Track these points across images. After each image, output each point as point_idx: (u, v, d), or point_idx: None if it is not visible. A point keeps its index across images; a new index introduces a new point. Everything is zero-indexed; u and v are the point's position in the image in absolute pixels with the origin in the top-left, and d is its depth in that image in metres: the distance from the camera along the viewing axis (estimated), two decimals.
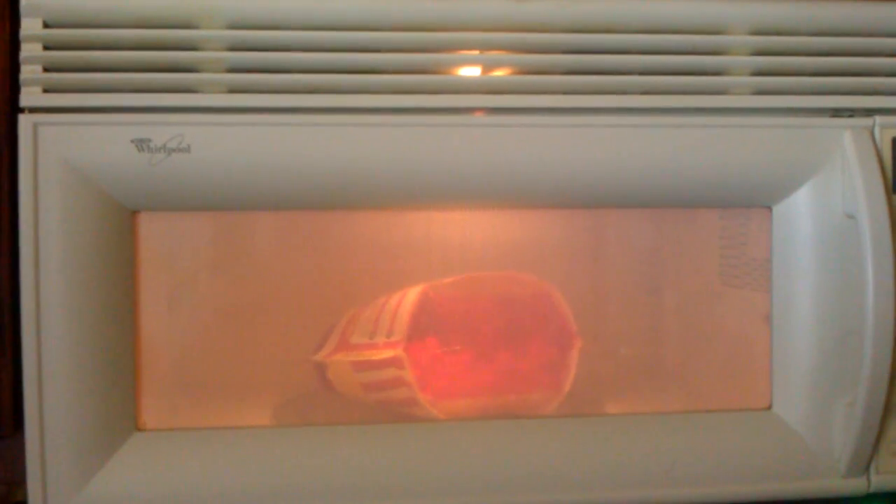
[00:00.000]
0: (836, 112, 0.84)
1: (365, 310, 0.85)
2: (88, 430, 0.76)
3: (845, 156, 0.81)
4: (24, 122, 0.75)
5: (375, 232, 0.84)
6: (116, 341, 0.78)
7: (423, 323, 0.85)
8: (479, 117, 0.80)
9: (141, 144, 0.75)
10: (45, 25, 0.76)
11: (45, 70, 0.76)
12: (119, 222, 0.77)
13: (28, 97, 0.75)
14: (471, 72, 0.81)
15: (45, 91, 0.76)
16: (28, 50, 0.75)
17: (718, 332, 0.88)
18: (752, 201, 0.84)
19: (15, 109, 0.76)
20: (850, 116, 0.83)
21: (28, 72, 0.75)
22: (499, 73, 0.81)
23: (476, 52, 0.80)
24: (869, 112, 0.83)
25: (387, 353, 0.85)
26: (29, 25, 0.75)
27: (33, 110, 0.75)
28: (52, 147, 0.75)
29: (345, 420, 0.84)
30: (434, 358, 0.86)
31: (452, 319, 0.87)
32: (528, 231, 0.87)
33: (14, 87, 0.76)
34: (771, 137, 0.82)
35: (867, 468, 0.84)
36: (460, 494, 0.81)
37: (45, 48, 0.76)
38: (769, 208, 0.84)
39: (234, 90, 0.78)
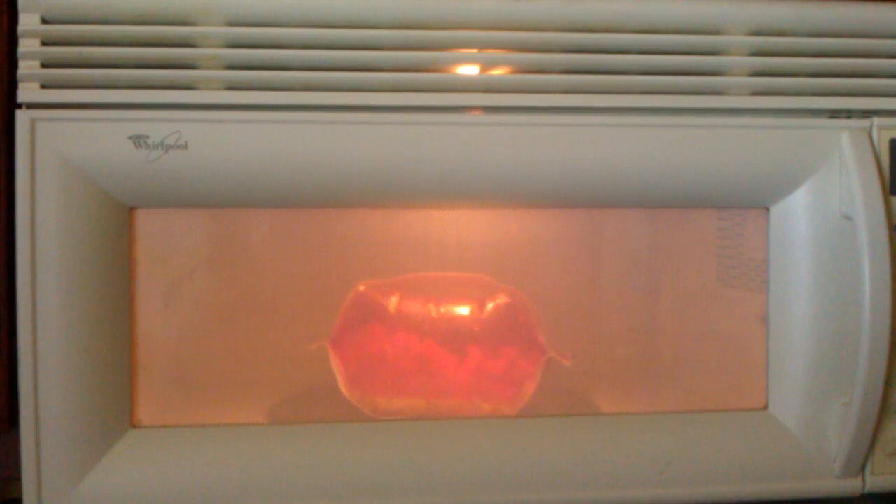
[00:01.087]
0: (834, 113, 0.84)
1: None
2: (84, 427, 0.76)
3: (843, 157, 0.81)
4: (22, 117, 0.74)
5: (372, 230, 0.84)
6: (112, 338, 0.78)
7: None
8: (477, 116, 0.80)
9: (138, 141, 0.75)
10: (43, 21, 0.76)
11: (43, 66, 0.76)
12: (116, 219, 0.77)
13: (25, 93, 0.75)
14: (469, 70, 0.81)
15: (43, 87, 0.76)
16: (26, 45, 0.75)
17: (715, 332, 0.88)
18: (750, 202, 0.84)
19: (12, 105, 0.76)
20: (848, 117, 0.83)
21: (26, 67, 0.75)
22: (497, 71, 0.81)
23: (474, 51, 0.80)
24: (866, 113, 0.83)
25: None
26: (27, 21, 0.75)
27: (31, 106, 0.75)
28: (49, 143, 0.74)
29: (340, 418, 0.84)
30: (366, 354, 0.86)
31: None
32: (525, 230, 0.86)
33: (12, 83, 0.76)
34: (768, 138, 0.82)
35: (862, 469, 0.84)
36: (457, 492, 0.81)
37: (43, 44, 0.76)
38: (766, 209, 0.84)
39: (231, 87, 0.77)
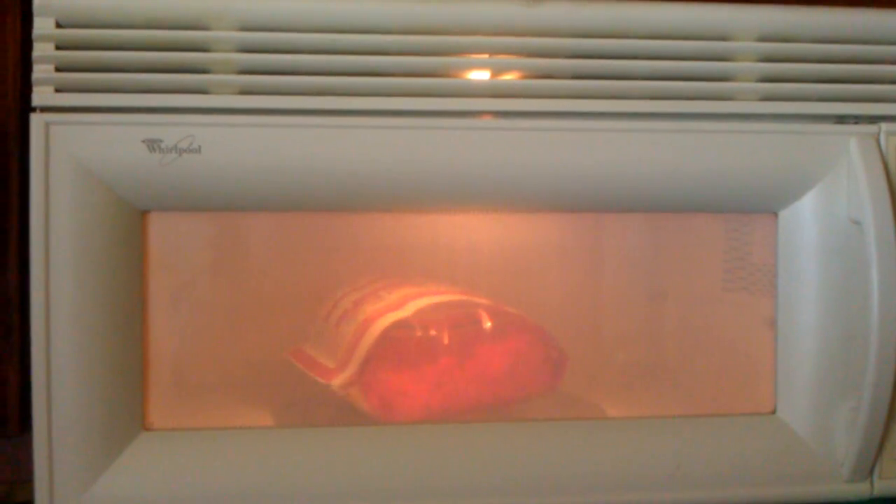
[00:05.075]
0: (842, 119, 0.84)
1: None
2: (96, 430, 0.77)
3: (851, 162, 0.82)
4: (36, 121, 0.75)
5: (383, 234, 0.84)
6: (124, 341, 0.78)
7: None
8: (488, 121, 0.81)
9: (152, 145, 0.75)
10: (58, 25, 0.76)
11: (58, 70, 0.76)
12: (129, 222, 0.77)
13: (40, 96, 0.76)
14: (479, 75, 0.81)
15: (57, 90, 0.76)
16: (40, 49, 0.75)
17: (723, 336, 0.88)
18: (758, 207, 0.85)
19: (27, 108, 0.76)
20: (856, 123, 0.84)
21: (40, 71, 0.75)
22: (507, 76, 0.81)
23: (485, 56, 0.81)
24: (874, 119, 0.84)
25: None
26: (41, 25, 0.75)
27: (45, 109, 0.75)
28: (63, 146, 0.75)
29: (349, 421, 0.84)
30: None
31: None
32: (535, 235, 0.87)
33: (26, 87, 0.76)
34: (777, 143, 0.82)
35: (871, 473, 0.84)
36: (465, 497, 0.81)
37: (58, 48, 0.76)
38: (775, 214, 0.85)
39: (245, 91, 0.78)
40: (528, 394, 0.88)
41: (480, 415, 0.86)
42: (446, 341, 0.86)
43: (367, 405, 0.85)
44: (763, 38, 0.83)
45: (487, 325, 0.87)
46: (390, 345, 0.85)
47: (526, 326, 0.88)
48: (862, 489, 0.85)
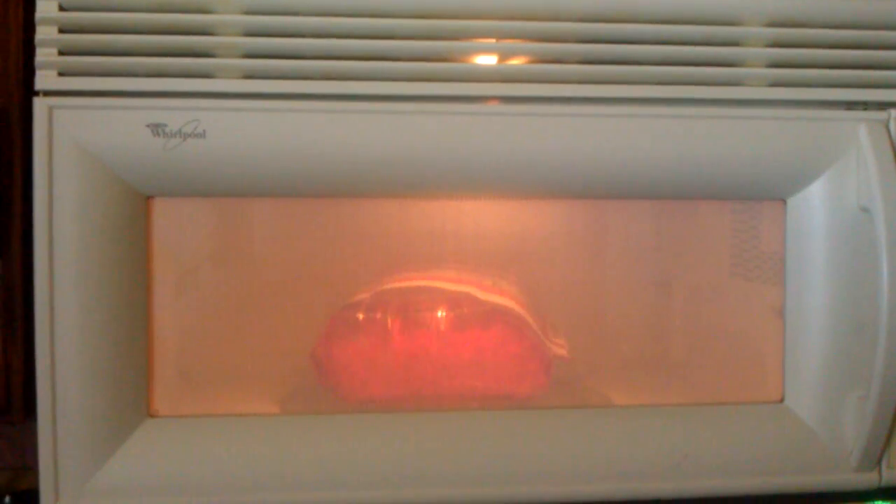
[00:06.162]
0: (851, 105, 0.84)
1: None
2: (100, 417, 0.76)
3: (860, 149, 0.81)
4: (39, 105, 0.74)
5: (387, 220, 0.84)
6: (129, 327, 0.78)
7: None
8: (495, 106, 0.80)
9: (156, 129, 0.75)
10: (61, 8, 0.75)
11: (61, 53, 0.76)
12: (133, 208, 0.77)
13: (43, 80, 0.75)
14: (486, 60, 0.81)
15: (61, 74, 0.75)
16: (43, 32, 0.75)
17: (731, 325, 0.88)
18: (766, 194, 0.84)
19: (30, 92, 0.75)
20: (865, 109, 0.83)
21: (43, 55, 0.75)
22: (514, 61, 0.81)
23: (492, 41, 0.80)
24: (883, 105, 0.83)
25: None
26: (44, 8, 0.75)
27: (48, 93, 0.75)
28: (66, 130, 0.74)
29: (353, 408, 0.84)
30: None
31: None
32: (542, 221, 0.86)
33: (29, 70, 0.76)
34: (786, 130, 0.82)
35: (879, 462, 0.84)
36: (471, 484, 0.81)
37: (61, 31, 0.75)
38: (783, 201, 0.84)
39: (249, 76, 0.77)
40: (512, 390, 0.87)
41: (447, 404, 0.85)
42: (401, 326, 0.86)
43: (321, 382, 0.85)
44: (772, 24, 0.82)
45: (454, 313, 0.86)
46: (343, 326, 0.85)
47: (504, 319, 0.87)
48: (870, 479, 0.84)
